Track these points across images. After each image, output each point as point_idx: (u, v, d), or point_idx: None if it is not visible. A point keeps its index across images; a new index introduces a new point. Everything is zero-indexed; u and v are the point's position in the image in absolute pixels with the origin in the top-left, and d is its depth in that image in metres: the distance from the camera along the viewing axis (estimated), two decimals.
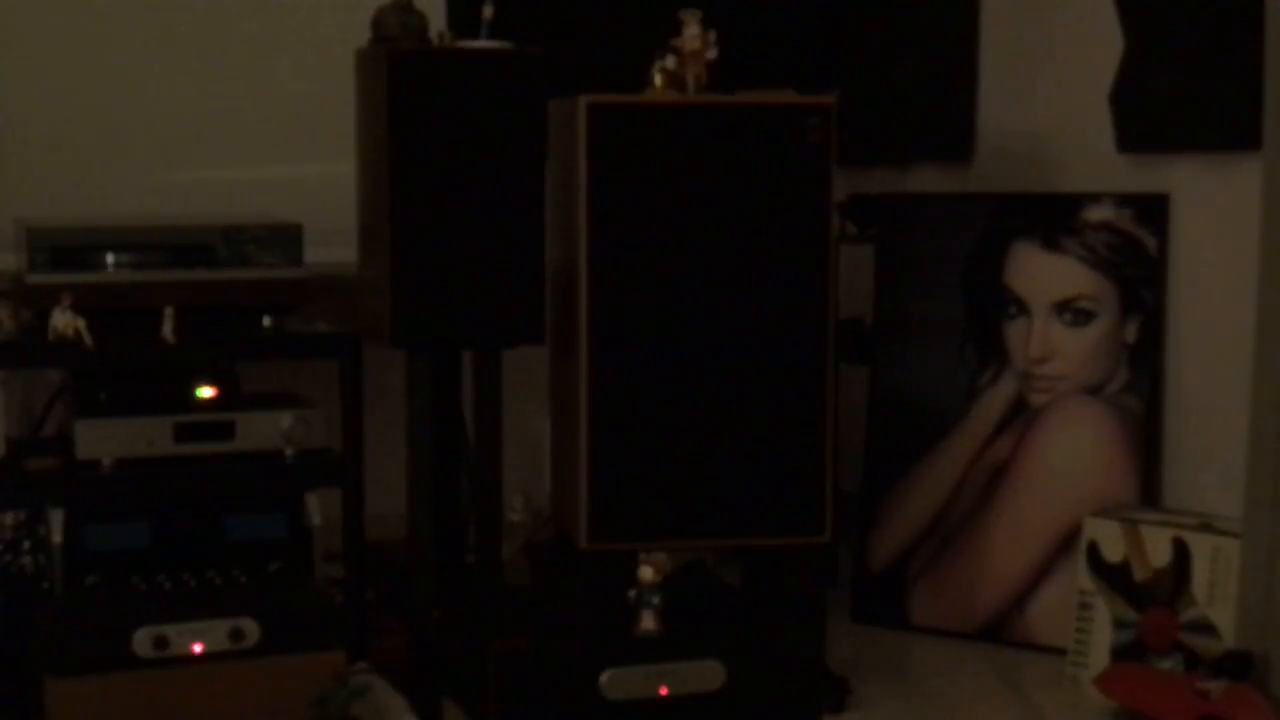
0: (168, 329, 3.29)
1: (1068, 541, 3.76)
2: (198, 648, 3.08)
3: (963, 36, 4.20)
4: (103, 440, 3.28)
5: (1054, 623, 3.77)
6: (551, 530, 3.64)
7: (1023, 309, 3.91)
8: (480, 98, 3.21)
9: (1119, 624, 3.58)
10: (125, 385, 3.43)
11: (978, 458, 3.94)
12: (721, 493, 3.35)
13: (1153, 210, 3.77)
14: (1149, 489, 3.76)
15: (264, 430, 3.38)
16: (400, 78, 3.19)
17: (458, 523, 3.57)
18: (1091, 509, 3.70)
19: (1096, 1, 3.84)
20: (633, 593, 3.23)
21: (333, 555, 3.41)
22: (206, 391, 3.46)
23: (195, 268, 3.42)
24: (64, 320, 3.23)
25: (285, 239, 3.47)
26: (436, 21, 3.50)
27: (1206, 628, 3.45)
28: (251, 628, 3.12)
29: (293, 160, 3.95)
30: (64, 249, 3.34)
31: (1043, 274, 3.88)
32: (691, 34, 3.29)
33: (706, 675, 3.20)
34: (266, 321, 3.46)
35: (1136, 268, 3.78)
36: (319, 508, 3.38)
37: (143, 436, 3.31)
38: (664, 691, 3.18)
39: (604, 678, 3.16)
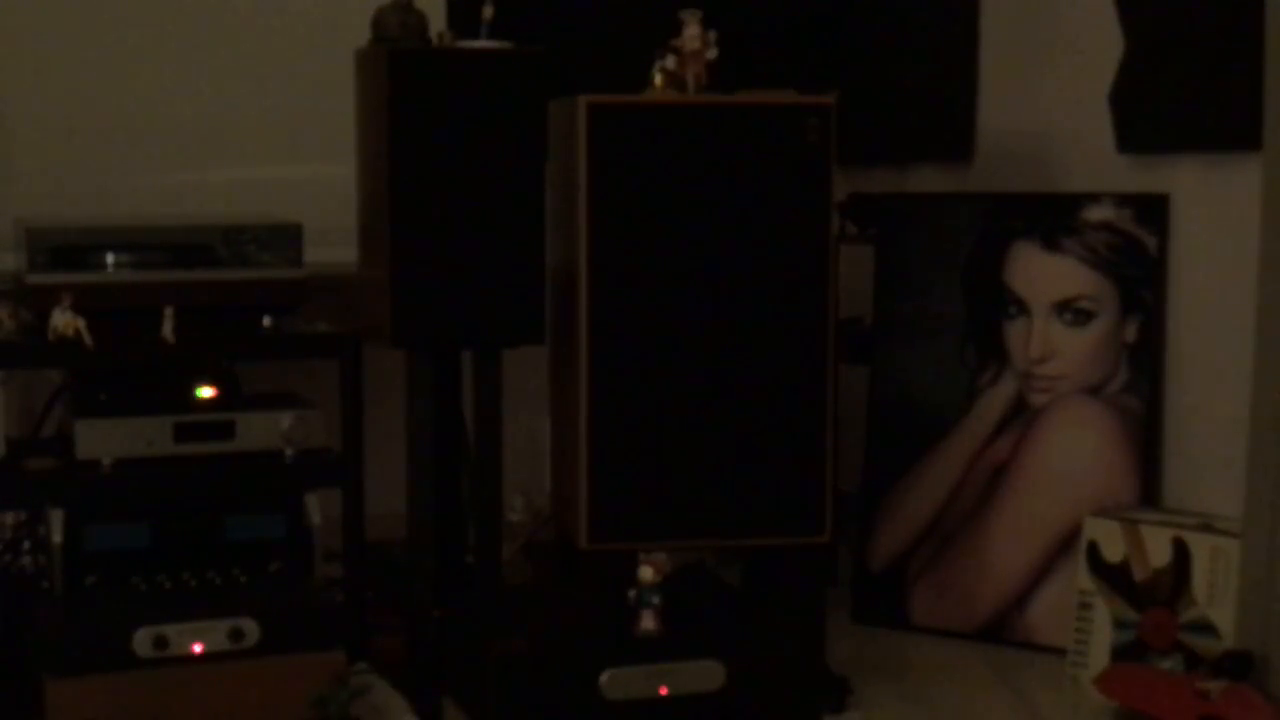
0: (168, 329, 3.29)
1: (1068, 541, 3.76)
2: (198, 648, 3.08)
3: (963, 36, 4.20)
4: (103, 440, 3.28)
5: (1054, 623, 3.77)
6: (551, 530, 3.64)
7: (1023, 309, 3.91)
8: (480, 98, 3.21)
9: (1119, 624, 3.58)
10: (125, 385, 3.43)
11: (978, 458, 3.94)
12: (721, 493, 3.35)
13: (1153, 210, 3.77)
14: (1149, 489, 3.76)
15: (264, 430, 3.38)
16: (400, 78, 3.19)
17: (458, 523, 3.57)
18: (1091, 509, 3.70)
19: (1096, 2, 3.84)
20: (633, 593, 3.23)
21: (333, 555, 3.41)
22: (206, 391, 3.46)
23: (195, 268, 3.42)
24: (64, 320, 3.23)
25: (285, 239, 3.47)
26: (436, 21, 3.50)
27: (1206, 628, 3.45)
28: (251, 628, 3.12)
29: (293, 160, 3.95)
30: (64, 249, 3.34)
31: (1043, 274, 3.88)
32: (691, 34, 3.29)
33: (706, 675, 3.20)
34: (266, 321, 3.46)
35: (1136, 268, 3.78)
36: (319, 508, 3.38)
37: (143, 436, 3.31)
38: (664, 692, 3.18)
39: (604, 678, 3.16)
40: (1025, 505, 3.86)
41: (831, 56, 4.43)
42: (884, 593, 4.01)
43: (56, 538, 3.20)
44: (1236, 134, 3.54)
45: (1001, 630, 3.87)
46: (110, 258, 3.38)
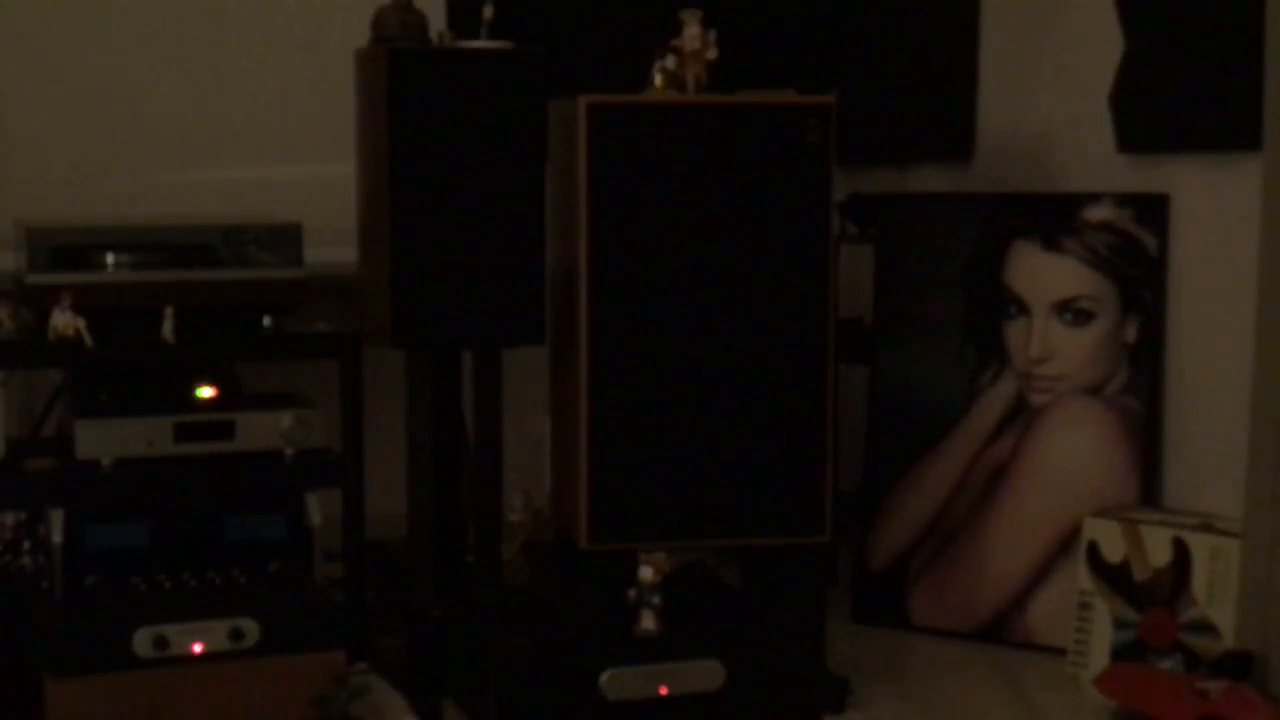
0: (168, 329, 3.30)
1: (1068, 541, 3.76)
2: (198, 648, 3.08)
3: (963, 36, 4.20)
4: (103, 440, 3.28)
5: (1054, 623, 3.76)
6: (551, 530, 3.63)
7: (1023, 309, 3.91)
8: (480, 98, 3.21)
9: (1119, 624, 3.58)
10: (125, 385, 3.43)
11: (978, 458, 3.93)
12: (721, 493, 3.35)
13: (1153, 210, 3.77)
14: (1149, 489, 3.76)
15: (264, 430, 3.38)
16: (400, 78, 3.19)
17: (458, 523, 3.57)
18: (1091, 509, 3.70)
19: (1096, 2, 3.84)
20: (633, 593, 3.23)
21: (333, 555, 3.41)
22: (206, 391, 3.46)
23: (195, 268, 3.42)
24: (64, 320, 3.23)
25: (285, 239, 3.47)
26: (436, 21, 3.50)
27: (1206, 628, 3.45)
28: (251, 628, 3.12)
29: (293, 160, 3.95)
30: (64, 249, 3.34)
31: (1043, 274, 3.88)
32: (691, 34, 3.29)
33: (706, 675, 3.20)
34: (266, 321, 3.46)
35: (1136, 268, 3.78)
36: (319, 508, 3.39)
37: (143, 436, 3.31)
38: (664, 691, 3.18)
39: (604, 678, 3.16)
40: (1025, 505, 3.86)
41: (831, 56, 4.43)
42: (884, 593, 4.01)
43: (56, 538, 3.20)
44: (1236, 134, 3.54)
45: (1001, 630, 3.87)
46: (110, 258, 3.38)
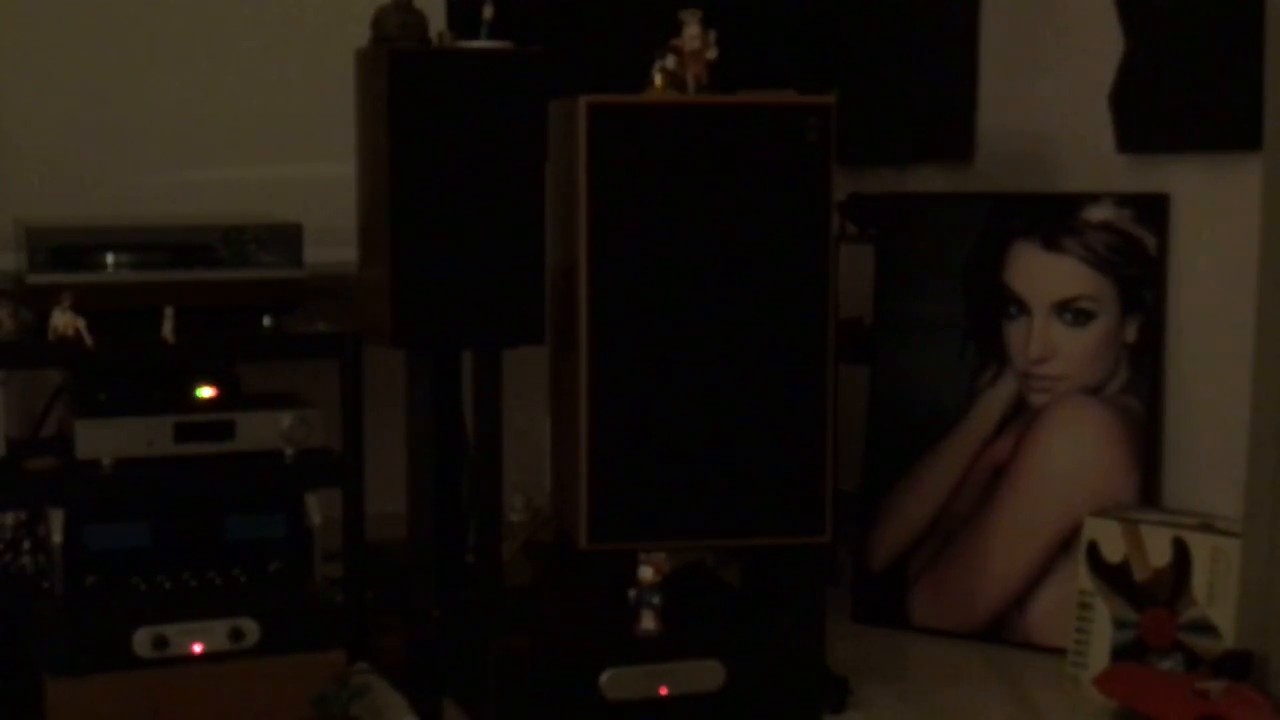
0: (168, 329, 3.29)
1: (1068, 541, 3.76)
2: (197, 648, 3.08)
3: (963, 36, 4.20)
4: (103, 440, 3.28)
5: (1054, 623, 3.76)
6: (551, 530, 3.64)
7: (1023, 309, 3.91)
8: (480, 98, 3.21)
9: (1119, 624, 3.58)
10: (125, 385, 3.43)
11: (978, 458, 3.94)
12: (721, 493, 3.35)
13: (1153, 210, 3.77)
14: (1149, 489, 3.76)
15: (264, 430, 3.38)
16: (400, 78, 3.19)
17: (458, 523, 3.57)
18: (1091, 509, 3.70)
19: (1096, 2, 3.84)
20: (633, 593, 3.23)
21: (333, 555, 3.41)
22: (206, 391, 3.46)
23: (195, 268, 3.42)
24: (64, 320, 3.23)
25: (285, 239, 3.47)
26: (436, 21, 3.50)
27: (1206, 628, 3.45)
28: (251, 628, 3.12)
29: (293, 160, 3.94)
30: (64, 249, 3.34)
31: (1043, 274, 3.88)
32: (691, 34, 3.29)
33: (706, 675, 3.20)
34: (266, 321, 3.46)
35: (1136, 268, 3.78)
36: (319, 508, 3.39)
37: (143, 436, 3.31)
38: (664, 691, 3.18)
39: (604, 677, 3.16)
40: (1025, 505, 3.86)
41: (831, 56, 4.43)
42: (884, 593, 4.01)
43: (56, 538, 3.20)
44: (1236, 134, 3.54)
45: (1001, 630, 3.87)
46: (110, 258, 3.38)
